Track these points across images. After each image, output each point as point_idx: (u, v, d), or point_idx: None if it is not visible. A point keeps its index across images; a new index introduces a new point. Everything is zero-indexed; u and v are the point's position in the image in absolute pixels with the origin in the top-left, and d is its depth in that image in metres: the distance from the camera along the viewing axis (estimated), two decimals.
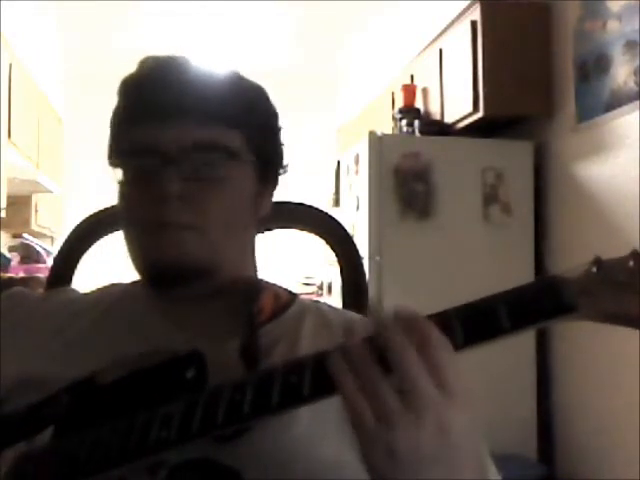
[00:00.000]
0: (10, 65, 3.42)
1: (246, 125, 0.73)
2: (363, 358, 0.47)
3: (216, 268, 0.70)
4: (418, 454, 0.46)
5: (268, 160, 0.77)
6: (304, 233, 1.01)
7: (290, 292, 0.81)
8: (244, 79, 0.76)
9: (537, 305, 0.47)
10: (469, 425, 0.48)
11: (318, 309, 0.79)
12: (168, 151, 0.68)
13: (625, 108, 2.42)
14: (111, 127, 0.75)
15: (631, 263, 0.45)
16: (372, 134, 2.94)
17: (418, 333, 0.47)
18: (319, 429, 0.66)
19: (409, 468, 0.46)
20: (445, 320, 0.49)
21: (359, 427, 0.47)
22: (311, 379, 0.50)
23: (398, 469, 0.46)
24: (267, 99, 0.78)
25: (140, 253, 0.71)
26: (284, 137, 0.80)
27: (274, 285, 0.80)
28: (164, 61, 0.73)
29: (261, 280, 0.78)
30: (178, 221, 0.67)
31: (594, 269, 0.46)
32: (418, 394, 0.46)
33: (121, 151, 0.72)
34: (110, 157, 0.74)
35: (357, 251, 1.00)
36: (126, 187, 0.71)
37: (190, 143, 0.68)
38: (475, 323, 0.48)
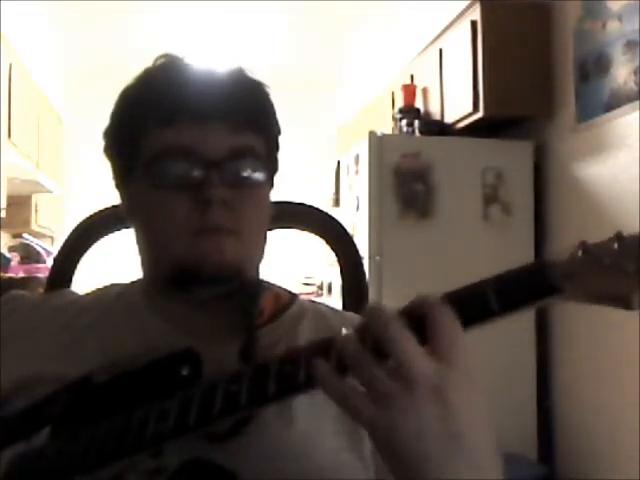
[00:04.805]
0: (10, 65, 3.42)
1: (265, 131, 0.74)
2: (353, 347, 0.48)
3: (245, 271, 0.71)
4: (420, 429, 0.45)
5: (276, 164, 0.78)
6: (304, 233, 1.01)
7: (290, 293, 0.81)
8: (261, 83, 0.76)
9: (524, 287, 0.48)
10: (473, 395, 0.48)
11: (317, 310, 0.80)
12: (210, 156, 0.68)
13: (625, 108, 2.42)
14: (125, 127, 0.72)
15: (615, 245, 0.46)
16: (372, 134, 2.94)
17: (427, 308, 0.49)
18: (316, 429, 0.67)
19: (412, 446, 0.45)
20: None
21: (359, 418, 0.47)
22: (306, 367, 0.50)
23: (403, 450, 0.45)
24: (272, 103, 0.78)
25: (175, 255, 0.68)
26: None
27: (275, 286, 0.80)
28: (187, 63, 0.73)
29: (262, 280, 0.78)
30: (221, 226, 0.67)
31: (580, 252, 0.47)
32: (407, 365, 0.46)
33: (155, 154, 0.69)
34: (128, 160, 0.72)
35: (357, 251, 1.00)
36: (157, 190, 0.68)
37: (229, 149, 0.69)
38: (464, 306, 0.49)
